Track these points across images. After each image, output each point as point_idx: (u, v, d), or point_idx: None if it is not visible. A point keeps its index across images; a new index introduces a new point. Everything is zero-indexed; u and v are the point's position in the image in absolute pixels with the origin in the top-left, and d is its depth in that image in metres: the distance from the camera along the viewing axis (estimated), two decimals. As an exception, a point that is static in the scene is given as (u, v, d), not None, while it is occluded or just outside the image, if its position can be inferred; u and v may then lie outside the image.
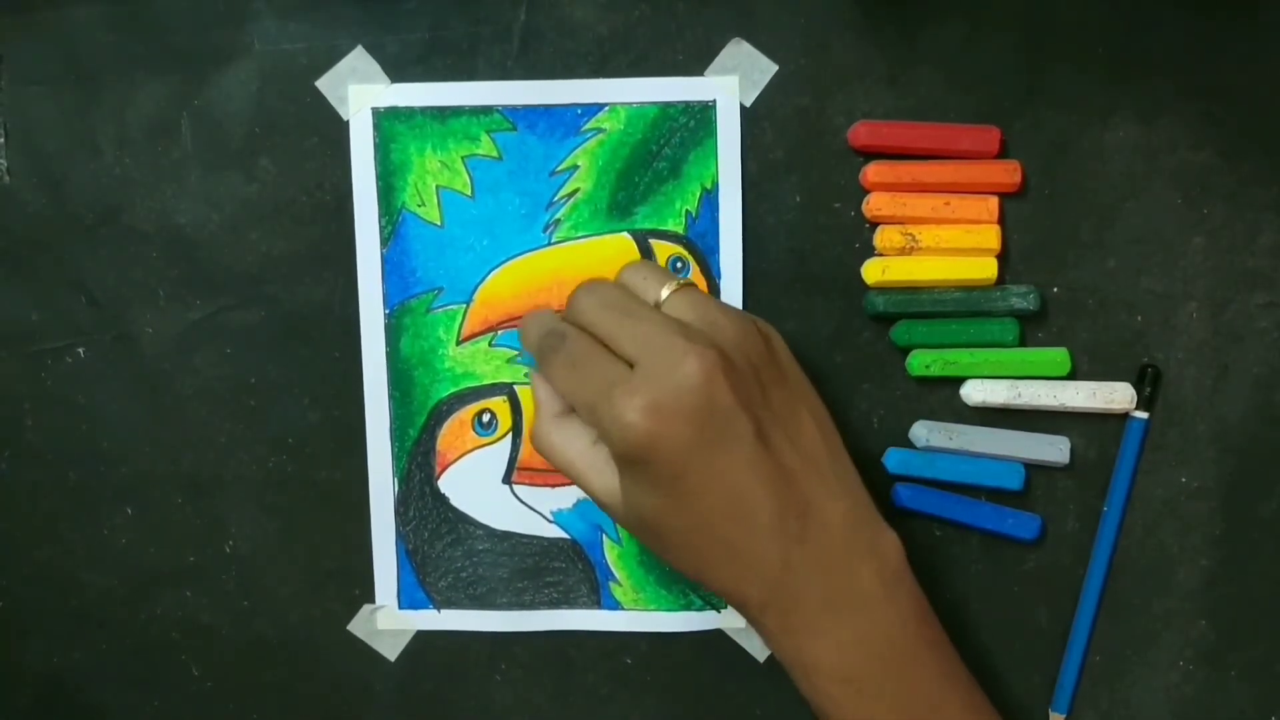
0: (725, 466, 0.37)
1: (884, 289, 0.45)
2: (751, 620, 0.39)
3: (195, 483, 0.47)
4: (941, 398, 0.45)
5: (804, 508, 0.38)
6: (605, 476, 0.39)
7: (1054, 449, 0.45)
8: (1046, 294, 0.45)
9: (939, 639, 0.40)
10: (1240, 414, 0.45)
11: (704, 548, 0.38)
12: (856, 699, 0.38)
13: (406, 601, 0.47)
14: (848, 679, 0.38)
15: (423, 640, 0.47)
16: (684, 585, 0.47)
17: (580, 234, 0.45)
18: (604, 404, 0.37)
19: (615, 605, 0.47)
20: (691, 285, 0.40)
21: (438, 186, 0.45)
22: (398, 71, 0.45)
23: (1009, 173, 0.44)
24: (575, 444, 0.40)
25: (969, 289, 0.45)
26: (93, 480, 0.47)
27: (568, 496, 0.46)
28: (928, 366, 0.45)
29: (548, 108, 0.45)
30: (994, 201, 0.44)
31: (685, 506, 0.37)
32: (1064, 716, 0.46)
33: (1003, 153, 0.45)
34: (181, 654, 0.47)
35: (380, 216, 0.45)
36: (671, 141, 0.45)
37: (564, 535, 0.46)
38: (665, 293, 0.39)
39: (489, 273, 0.46)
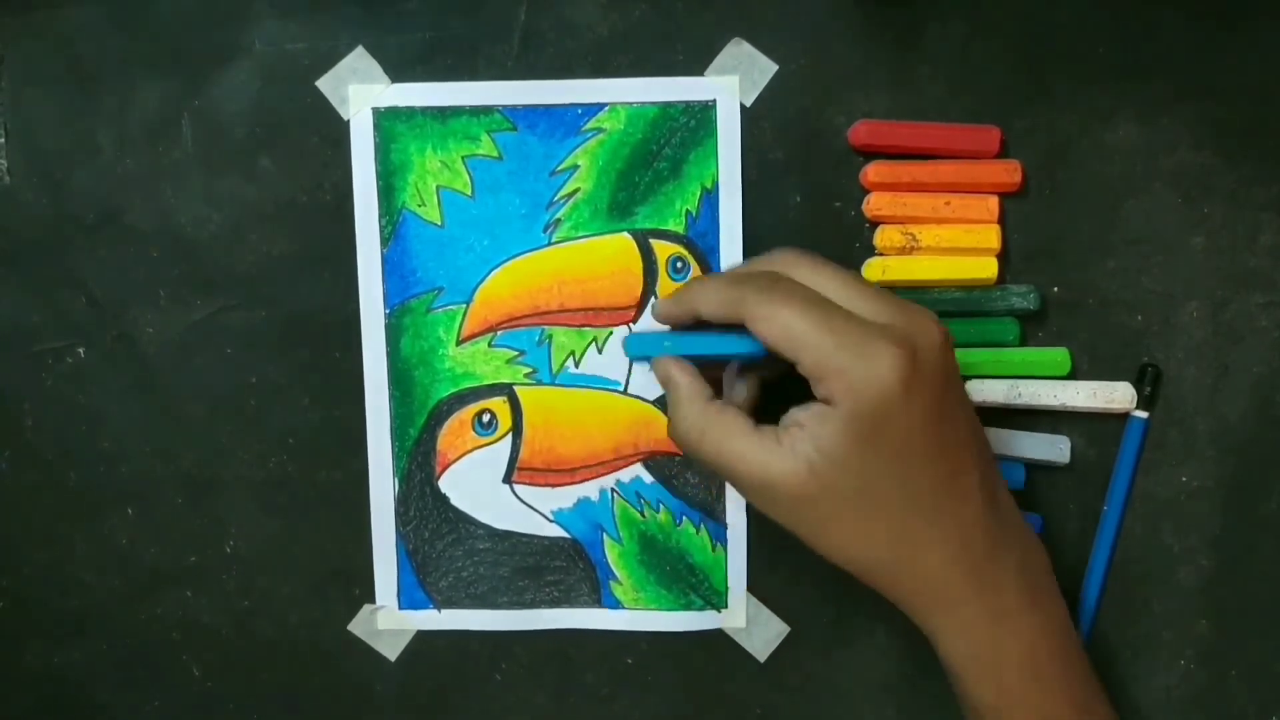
0: (952, 438, 0.37)
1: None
2: (943, 612, 0.38)
3: (195, 483, 0.47)
4: (941, 398, 0.45)
5: (993, 493, 0.38)
6: (781, 458, 0.36)
7: (1054, 449, 0.45)
8: (1046, 294, 0.45)
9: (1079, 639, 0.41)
10: (1240, 414, 0.45)
11: (919, 527, 0.37)
12: (1040, 694, 0.38)
13: (407, 601, 0.47)
14: (1035, 674, 0.38)
15: (423, 640, 0.47)
16: (684, 585, 0.47)
17: (580, 234, 0.45)
18: (862, 348, 0.35)
19: (616, 604, 0.47)
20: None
21: (438, 186, 0.45)
22: (398, 71, 0.45)
23: (1009, 172, 0.44)
24: (737, 426, 0.37)
25: (969, 289, 0.45)
26: (93, 480, 0.47)
27: (568, 496, 0.46)
28: (928, 366, 0.45)
29: (548, 108, 0.45)
30: (994, 201, 0.44)
31: (914, 471, 0.36)
32: (1064, 716, 0.46)
33: (1003, 153, 0.45)
34: (182, 654, 0.47)
35: (380, 216, 0.45)
36: (672, 141, 0.45)
37: (564, 535, 0.46)
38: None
39: (489, 273, 0.46)
